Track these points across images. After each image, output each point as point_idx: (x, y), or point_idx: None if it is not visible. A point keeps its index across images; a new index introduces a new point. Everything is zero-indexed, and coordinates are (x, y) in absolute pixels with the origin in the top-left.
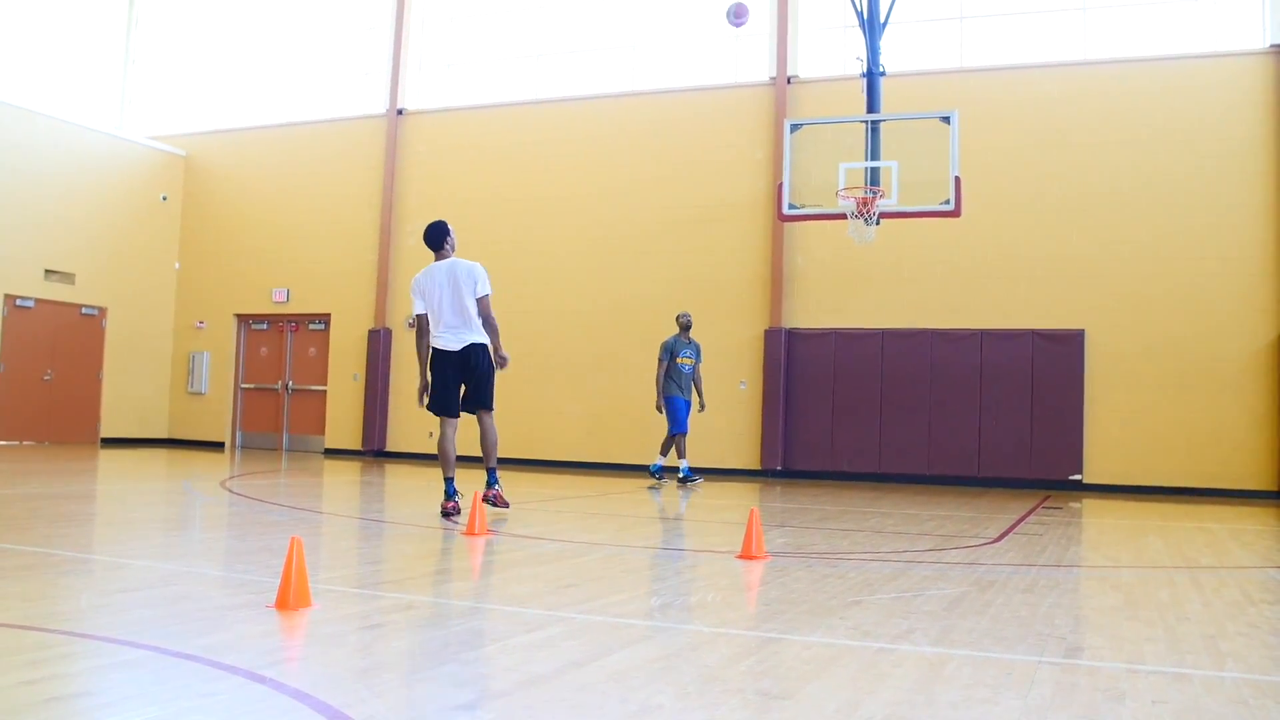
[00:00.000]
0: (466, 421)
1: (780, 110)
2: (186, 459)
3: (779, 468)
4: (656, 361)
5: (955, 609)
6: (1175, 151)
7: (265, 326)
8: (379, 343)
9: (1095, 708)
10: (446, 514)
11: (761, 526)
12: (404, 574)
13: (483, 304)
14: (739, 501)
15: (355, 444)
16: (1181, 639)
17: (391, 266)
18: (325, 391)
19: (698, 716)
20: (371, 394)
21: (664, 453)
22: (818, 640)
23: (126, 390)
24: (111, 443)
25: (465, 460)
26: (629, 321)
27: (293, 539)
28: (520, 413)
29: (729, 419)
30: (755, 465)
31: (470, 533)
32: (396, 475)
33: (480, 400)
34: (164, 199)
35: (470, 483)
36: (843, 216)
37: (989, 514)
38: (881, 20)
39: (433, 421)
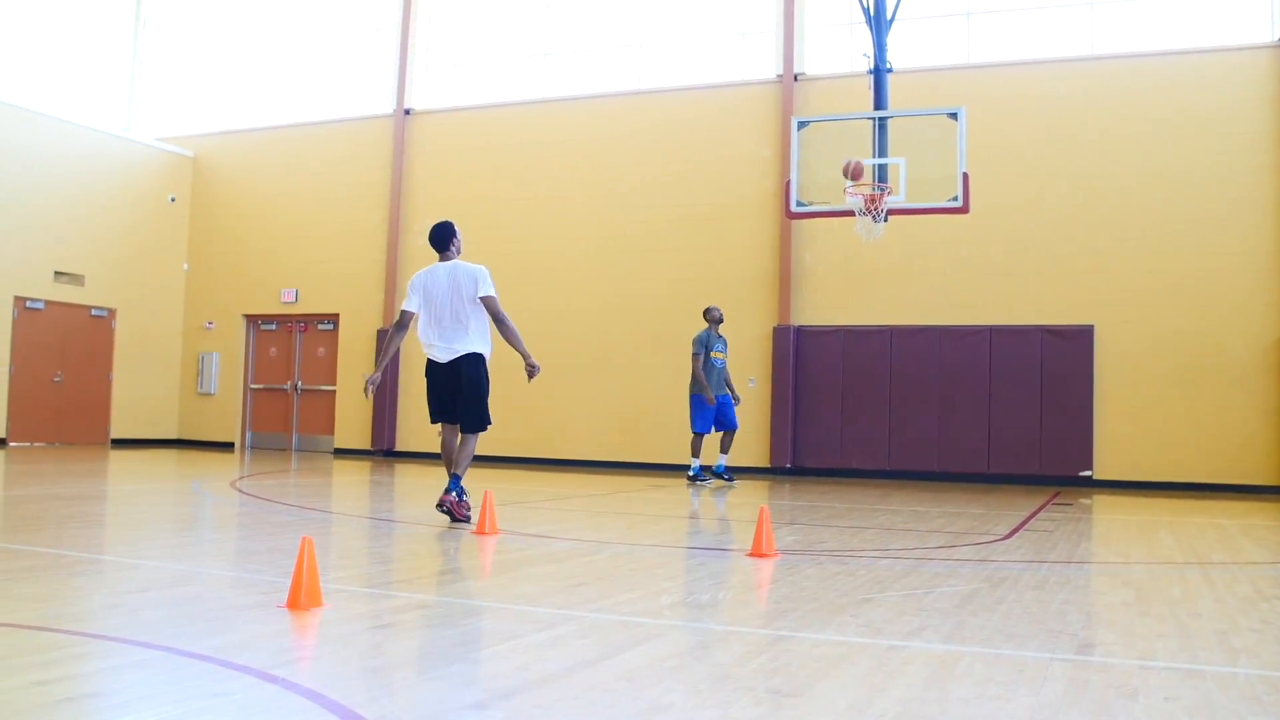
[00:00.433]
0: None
1: (787, 108)
2: (196, 460)
3: (788, 465)
4: (691, 356)
5: (966, 606)
6: (1183, 146)
7: (274, 327)
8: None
9: (1108, 704)
10: (441, 506)
11: (771, 524)
12: (414, 573)
13: (490, 305)
14: (749, 499)
15: (365, 444)
16: (1193, 635)
17: (400, 266)
18: (334, 391)
19: (709, 715)
20: (380, 394)
21: (696, 453)
22: (829, 638)
23: (136, 391)
24: (121, 443)
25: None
26: (637, 320)
27: (304, 539)
28: (528, 412)
29: (739, 417)
30: (764, 463)
31: (480, 532)
32: (406, 475)
33: (469, 421)
34: (172, 200)
35: (480, 482)
36: (851, 214)
37: (999, 510)
38: (888, 17)
39: None
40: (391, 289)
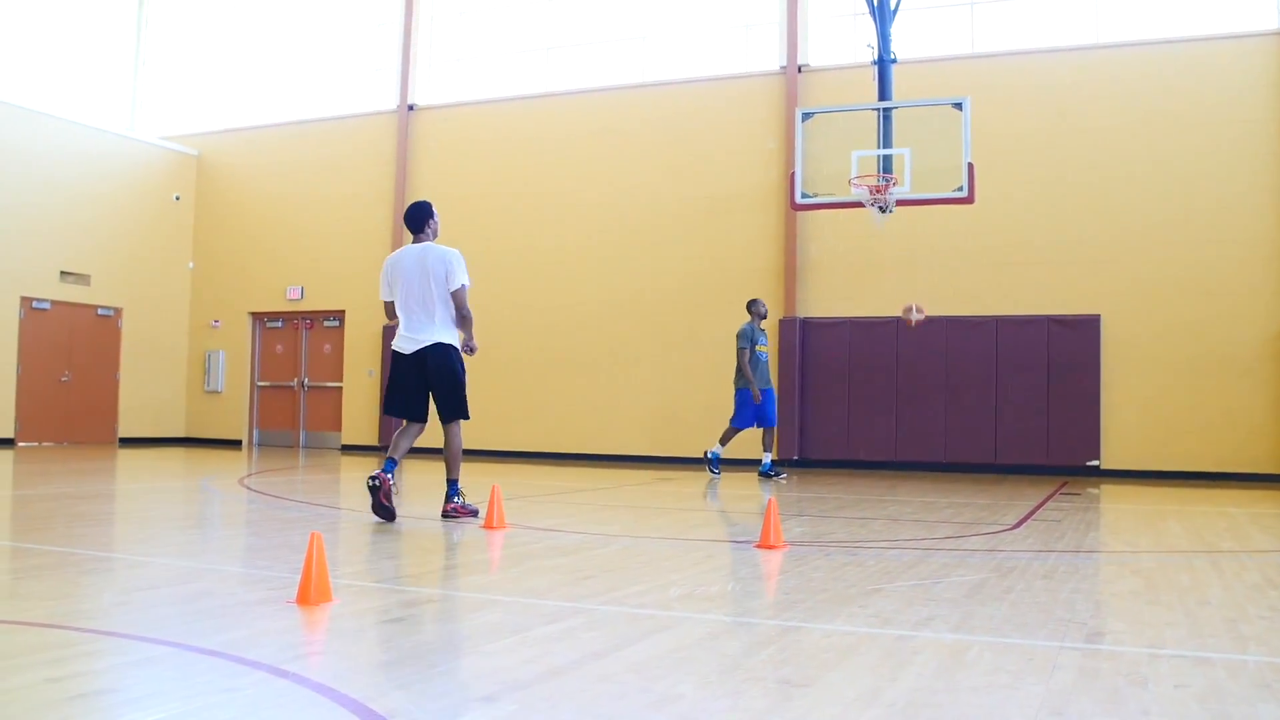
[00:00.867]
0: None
1: (791, 99)
2: (204, 457)
3: (795, 457)
4: (738, 351)
5: (975, 596)
6: (1188, 134)
7: (280, 324)
8: (393, 338)
9: (1118, 692)
10: (373, 480)
11: (779, 516)
12: (423, 568)
13: (458, 296)
14: (756, 491)
15: (372, 440)
16: (1202, 623)
17: None
18: (341, 388)
19: (719, 706)
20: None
21: (724, 442)
22: (838, 628)
23: (143, 390)
24: (129, 442)
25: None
26: (642, 314)
27: (313, 534)
28: (534, 407)
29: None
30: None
31: (489, 526)
32: (412, 471)
33: (447, 411)
34: (177, 199)
35: (487, 477)
36: (856, 205)
37: (1007, 501)
38: (892, 7)
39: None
40: None
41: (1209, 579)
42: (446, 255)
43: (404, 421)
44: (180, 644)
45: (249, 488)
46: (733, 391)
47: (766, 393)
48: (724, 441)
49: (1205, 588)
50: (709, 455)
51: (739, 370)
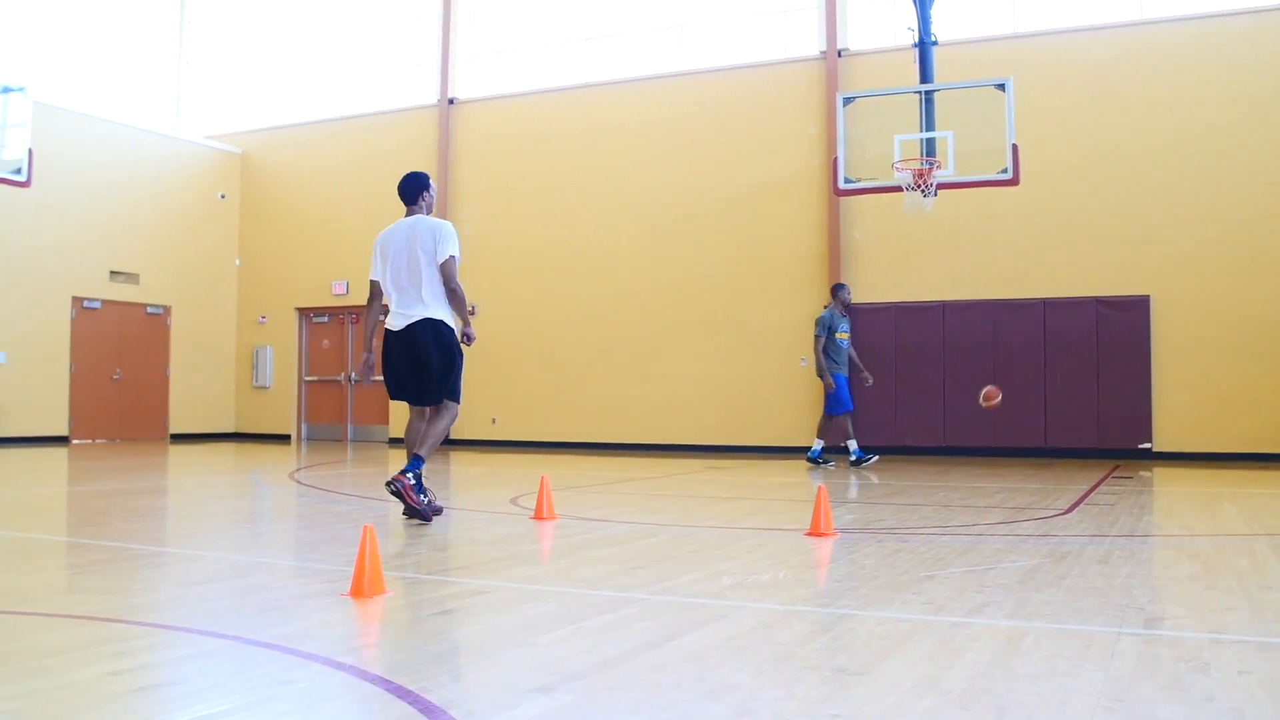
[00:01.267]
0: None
1: (832, 84)
2: (254, 452)
3: (843, 444)
4: (814, 338)
5: (1030, 581)
6: (1236, 110)
7: (326, 319)
8: None
9: (1180, 679)
10: (391, 485)
11: (829, 503)
12: (474, 559)
13: (446, 268)
14: (804, 479)
15: None
16: (1264, 607)
17: None
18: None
19: (775, 694)
20: None
21: (821, 435)
22: (892, 616)
23: (193, 386)
24: (180, 438)
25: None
26: (686, 303)
27: (365, 527)
28: (579, 398)
29: (790, 396)
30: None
31: (538, 517)
32: (460, 463)
33: (436, 392)
34: (222, 197)
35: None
36: (899, 189)
37: (1058, 485)
38: None
39: (495, 408)
40: None
41: (1269, 562)
42: (436, 226)
43: (410, 413)
44: (237, 637)
45: (299, 482)
46: (810, 382)
47: (839, 379)
48: (849, 435)
49: (1266, 571)
50: (854, 456)
51: (815, 360)
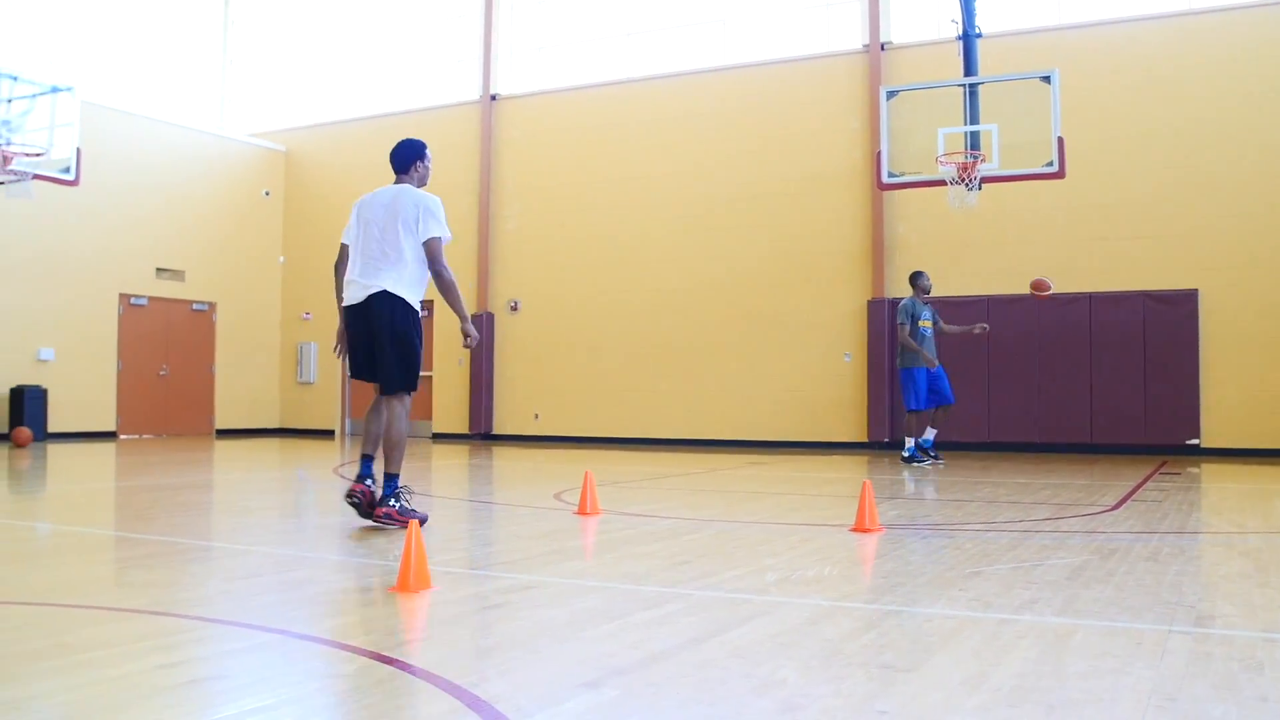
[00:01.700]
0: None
1: (875, 78)
2: (298, 447)
3: (886, 439)
4: (898, 326)
5: (1077, 578)
6: None
7: None
8: (481, 327)
9: (1233, 677)
10: (351, 497)
11: (874, 499)
12: (519, 554)
13: (431, 249)
14: (849, 474)
15: (462, 428)
16: None
17: (491, 252)
18: (431, 377)
19: (822, 691)
20: (476, 378)
21: (913, 433)
22: (939, 612)
23: (238, 382)
24: (226, 434)
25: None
26: (728, 298)
27: (410, 522)
28: (622, 393)
29: (834, 391)
30: (863, 437)
31: (582, 512)
32: (504, 458)
33: (387, 377)
34: (266, 194)
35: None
36: (943, 183)
37: (1104, 481)
38: None
39: (538, 403)
40: (483, 274)
41: None
42: (422, 199)
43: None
44: (285, 631)
45: (343, 476)
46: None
47: (935, 371)
48: (910, 431)
49: None
50: (905, 453)
51: (902, 348)
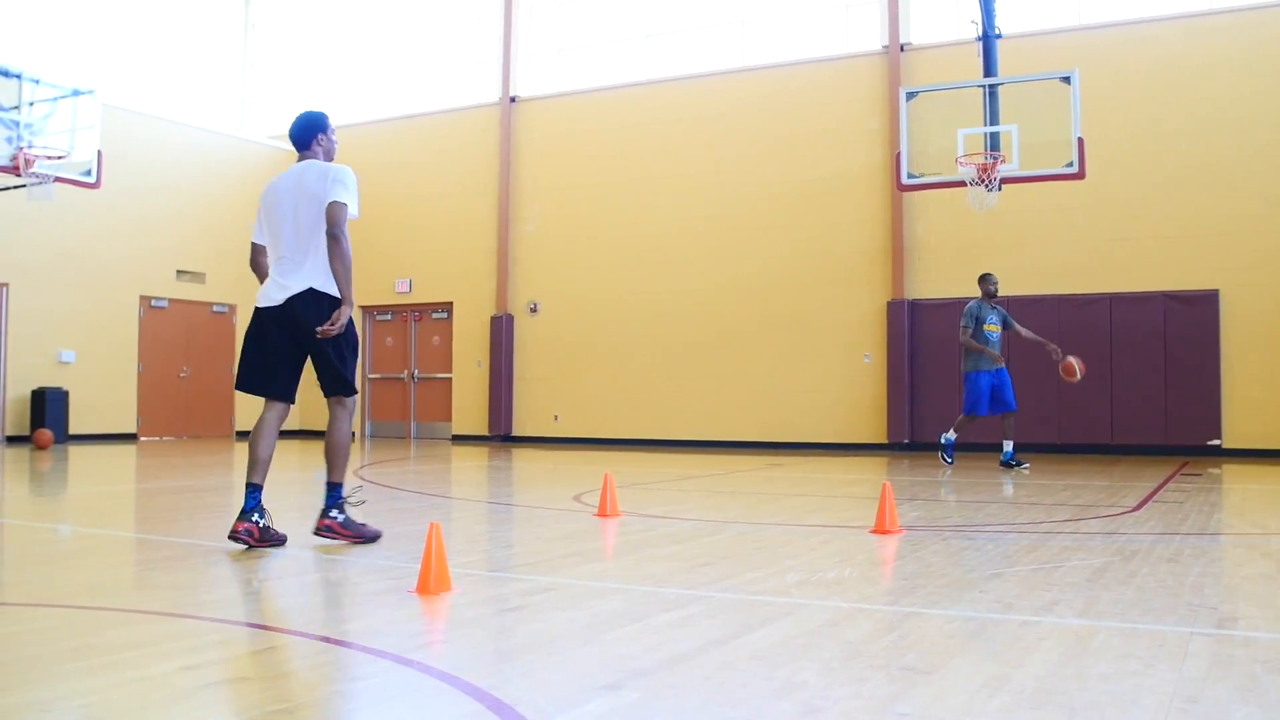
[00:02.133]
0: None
1: (894, 79)
2: (318, 450)
3: (906, 441)
4: (960, 329)
5: (1098, 580)
6: None
7: (390, 317)
8: (501, 329)
9: (1256, 679)
10: (235, 536)
11: (894, 500)
12: (539, 556)
13: (331, 213)
14: (868, 476)
15: (482, 429)
16: None
17: (511, 253)
18: (450, 379)
19: (843, 693)
20: (496, 380)
21: (959, 430)
22: (959, 614)
23: None
24: (246, 435)
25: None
26: (748, 299)
27: (431, 524)
28: (641, 394)
29: (853, 393)
30: (882, 439)
31: (602, 514)
32: (524, 459)
33: (330, 380)
34: None
35: (598, 465)
36: (963, 184)
37: (1125, 482)
38: None
39: (558, 405)
40: (503, 275)
41: None
42: (331, 169)
43: (263, 412)
44: (306, 633)
45: (363, 479)
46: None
47: (999, 374)
48: (958, 430)
49: None
50: (943, 441)
51: (965, 352)
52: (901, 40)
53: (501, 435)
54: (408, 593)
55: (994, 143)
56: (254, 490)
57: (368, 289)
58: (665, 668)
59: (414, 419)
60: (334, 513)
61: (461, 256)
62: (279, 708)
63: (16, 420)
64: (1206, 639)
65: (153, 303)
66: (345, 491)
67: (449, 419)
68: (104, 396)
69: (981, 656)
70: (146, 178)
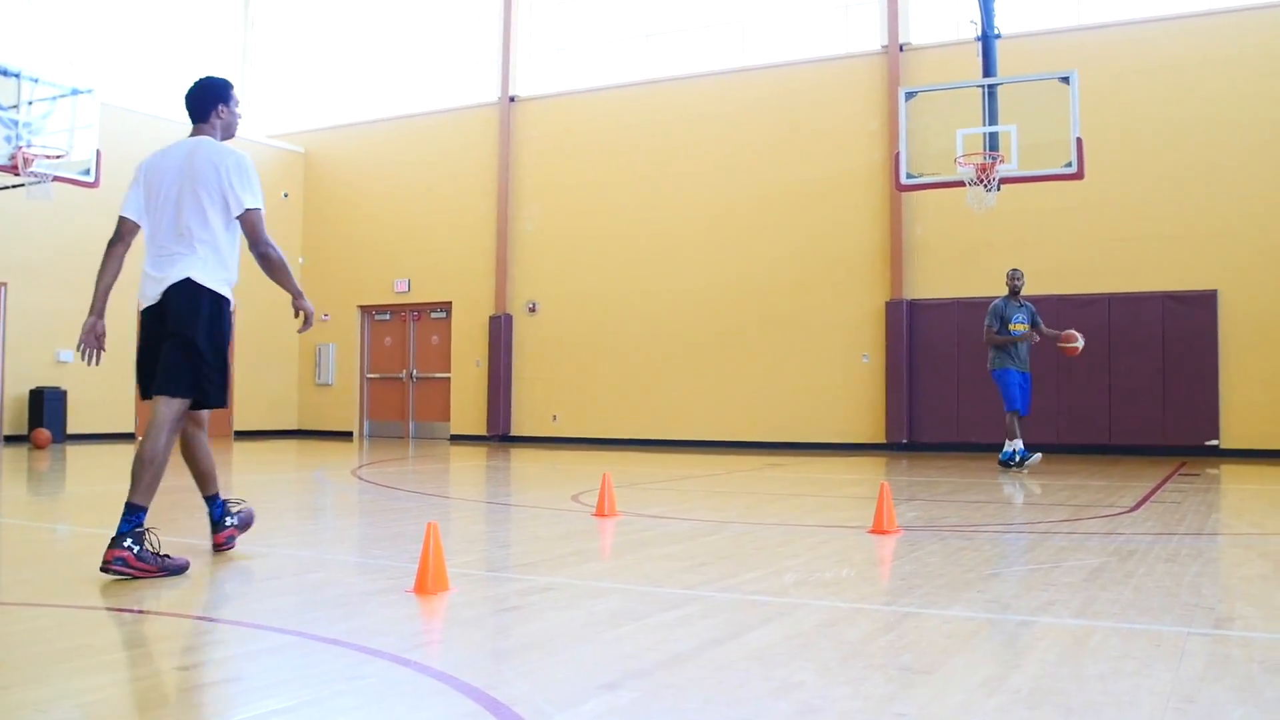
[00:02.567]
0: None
1: (894, 79)
2: (317, 449)
3: (904, 440)
4: (985, 328)
5: (1096, 580)
6: None
7: (388, 317)
8: (500, 329)
9: (1252, 679)
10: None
11: (892, 500)
12: (537, 556)
13: (248, 223)
14: (866, 476)
15: (480, 429)
16: None
17: (509, 253)
18: (449, 379)
19: (841, 693)
20: (494, 379)
21: (1014, 434)
22: (957, 614)
23: (257, 384)
24: (244, 435)
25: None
26: (747, 298)
27: (429, 524)
28: (641, 394)
29: (852, 393)
30: (880, 439)
31: (600, 514)
32: (522, 459)
33: (167, 377)
34: (285, 196)
35: (597, 465)
36: (962, 184)
37: (1123, 482)
38: None
39: (557, 405)
40: (502, 275)
41: None
42: (226, 156)
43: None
44: (303, 633)
45: (361, 478)
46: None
47: (1024, 377)
48: (1011, 434)
49: None
50: (1004, 456)
51: (992, 351)
52: (901, 40)
53: (500, 435)
54: (405, 592)
55: (993, 143)
56: (212, 501)
57: (367, 288)
58: (663, 667)
59: (412, 419)
60: (128, 542)
61: (460, 256)
62: (275, 708)
63: (14, 419)
64: (1203, 639)
65: None
66: (147, 520)
67: (447, 419)
68: (102, 396)
69: (979, 656)
70: None
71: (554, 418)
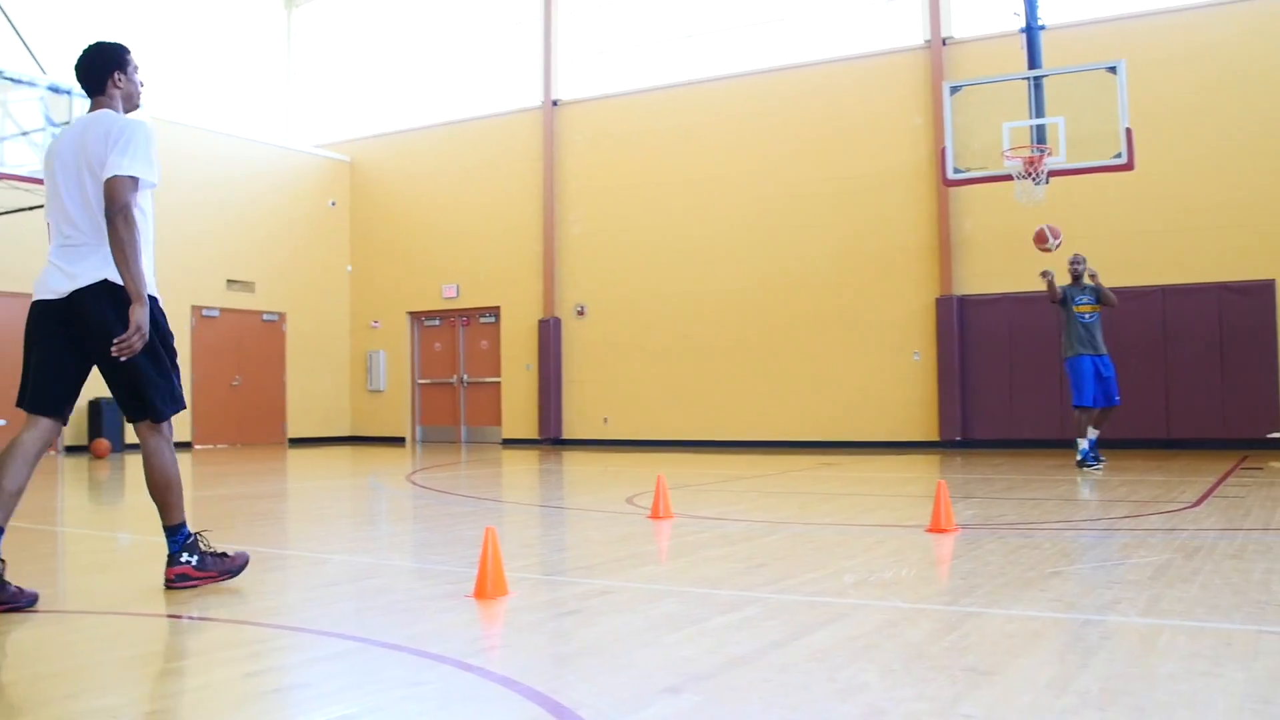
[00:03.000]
0: None
1: (937, 73)
2: (370, 455)
3: (958, 438)
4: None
5: (1161, 577)
6: None
7: (438, 322)
8: (549, 332)
9: None
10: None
11: (949, 498)
12: (593, 559)
13: (112, 188)
14: (921, 474)
15: (532, 433)
16: None
17: (556, 256)
18: (499, 383)
19: (906, 694)
20: (545, 383)
21: (1083, 432)
22: (1020, 613)
23: (309, 391)
24: (298, 442)
25: (646, 445)
26: (795, 297)
27: (487, 529)
28: (690, 395)
29: (904, 390)
30: (934, 436)
31: (655, 516)
32: (574, 462)
33: (128, 402)
34: (332, 204)
35: (648, 467)
36: (1009, 178)
37: (1183, 477)
38: None
39: (607, 407)
40: (550, 279)
41: None
42: (114, 123)
43: (22, 431)
44: (365, 639)
45: (415, 484)
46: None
47: (1101, 361)
48: (1081, 431)
49: None
50: (1079, 456)
51: (1064, 338)
52: (943, 34)
53: (551, 438)
54: (465, 597)
55: (1040, 135)
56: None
57: (415, 294)
58: (725, 670)
59: (464, 423)
60: (185, 557)
61: (508, 260)
62: (340, 714)
63: (75, 430)
64: (1277, 638)
65: (204, 312)
66: (193, 527)
67: (499, 423)
68: None
69: (1045, 657)
70: (196, 190)
71: (605, 420)
